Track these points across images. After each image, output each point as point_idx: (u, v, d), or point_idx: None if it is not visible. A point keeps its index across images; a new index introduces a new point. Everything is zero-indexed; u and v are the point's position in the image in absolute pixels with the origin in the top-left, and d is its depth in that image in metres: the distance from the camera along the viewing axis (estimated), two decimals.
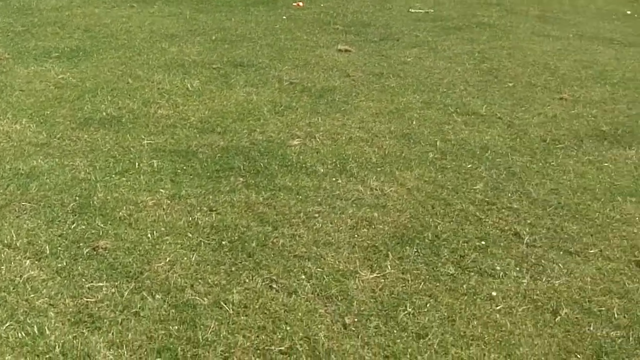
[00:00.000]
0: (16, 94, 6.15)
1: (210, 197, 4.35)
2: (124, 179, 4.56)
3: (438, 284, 3.53)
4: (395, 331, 3.16)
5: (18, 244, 3.76)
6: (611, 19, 10.93)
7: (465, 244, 3.90)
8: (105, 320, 3.18)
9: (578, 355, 3.04)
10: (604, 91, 6.85)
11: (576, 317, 3.29)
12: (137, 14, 9.74)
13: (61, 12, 9.68)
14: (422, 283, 3.53)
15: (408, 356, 3.02)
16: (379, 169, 4.82)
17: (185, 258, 3.68)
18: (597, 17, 11.04)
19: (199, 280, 3.49)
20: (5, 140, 5.12)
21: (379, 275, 3.59)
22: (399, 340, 3.10)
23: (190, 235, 3.91)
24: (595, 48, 8.72)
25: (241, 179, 4.60)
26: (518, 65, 7.67)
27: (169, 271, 3.56)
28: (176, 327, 3.15)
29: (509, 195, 4.52)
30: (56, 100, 6.01)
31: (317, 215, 4.17)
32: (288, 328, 3.16)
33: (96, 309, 3.26)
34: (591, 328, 3.21)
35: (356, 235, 3.96)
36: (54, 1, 10.31)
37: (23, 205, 4.19)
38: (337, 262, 3.68)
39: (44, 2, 10.26)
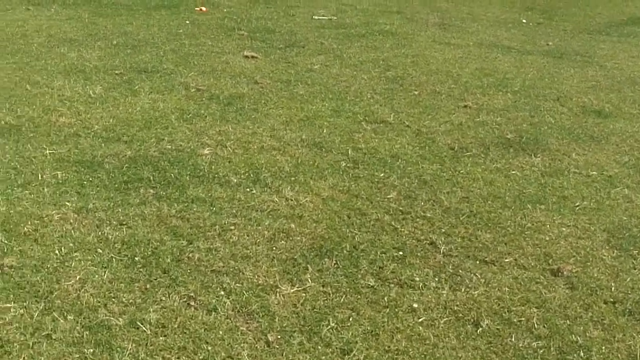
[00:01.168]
0: None
1: (120, 210, 4.18)
2: (26, 191, 4.33)
3: (359, 297, 3.49)
4: (319, 347, 3.11)
5: None
6: (508, 27, 11.27)
7: (384, 255, 3.89)
8: (15, 344, 2.99)
9: None
10: (506, 99, 7.02)
11: (497, 328, 3.31)
12: (33, 17, 9.37)
13: None
14: (344, 296, 3.49)
15: None
16: (292, 179, 4.77)
17: (97, 275, 3.51)
18: (495, 25, 11.36)
19: (113, 299, 3.33)
20: None
21: (299, 289, 3.52)
22: (323, 357, 3.05)
23: (101, 251, 3.74)
24: (495, 56, 8.96)
25: (151, 191, 4.45)
26: (422, 73, 7.78)
27: (80, 290, 3.38)
28: (91, 350, 2.99)
29: (422, 204, 4.55)
30: None
31: (232, 227, 4.07)
32: (210, 348, 3.05)
33: (4, 332, 3.06)
34: (512, 339, 3.23)
35: (274, 248, 3.88)
36: None
37: None
38: (256, 277, 3.59)
39: None
